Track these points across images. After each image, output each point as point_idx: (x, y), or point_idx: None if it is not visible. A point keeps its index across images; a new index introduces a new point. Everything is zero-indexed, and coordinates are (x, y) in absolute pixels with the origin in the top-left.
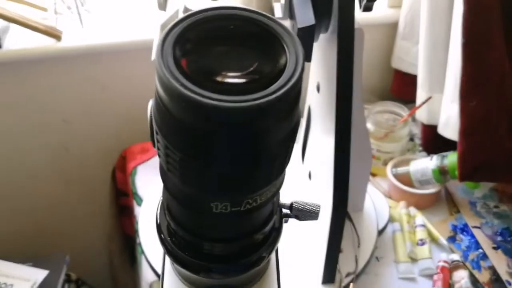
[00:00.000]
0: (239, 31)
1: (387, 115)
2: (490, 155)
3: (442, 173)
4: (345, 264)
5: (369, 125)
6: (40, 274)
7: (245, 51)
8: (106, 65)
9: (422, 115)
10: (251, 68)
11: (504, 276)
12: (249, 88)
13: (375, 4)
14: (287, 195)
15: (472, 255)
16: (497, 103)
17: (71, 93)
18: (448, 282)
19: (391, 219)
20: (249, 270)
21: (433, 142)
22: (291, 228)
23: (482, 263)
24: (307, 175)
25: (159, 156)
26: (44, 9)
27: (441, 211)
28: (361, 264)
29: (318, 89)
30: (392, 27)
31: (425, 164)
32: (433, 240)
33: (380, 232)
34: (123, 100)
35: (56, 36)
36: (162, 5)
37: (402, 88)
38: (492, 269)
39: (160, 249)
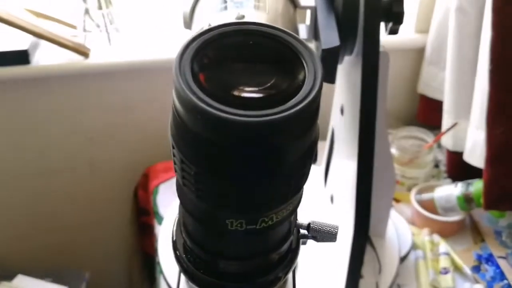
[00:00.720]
0: (257, 46)
1: (412, 141)
2: None
3: (467, 200)
4: None
5: (394, 150)
6: None
7: (263, 66)
8: (132, 83)
9: (447, 141)
10: (269, 84)
11: None
12: (266, 104)
13: (402, 29)
14: (308, 218)
15: (497, 286)
16: None
17: (97, 110)
18: None
19: (414, 246)
20: None
21: (458, 169)
22: (311, 251)
23: None
24: (329, 199)
25: (175, 170)
26: (74, 27)
27: (465, 239)
28: None
29: (342, 111)
30: (419, 52)
31: (450, 191)
32: (457, 269)
33: (403, 259)
34: (148, 118)
35: (84, 53)
36: (188, 24)
37: (428, 113)
38: None
39: (177, 269)
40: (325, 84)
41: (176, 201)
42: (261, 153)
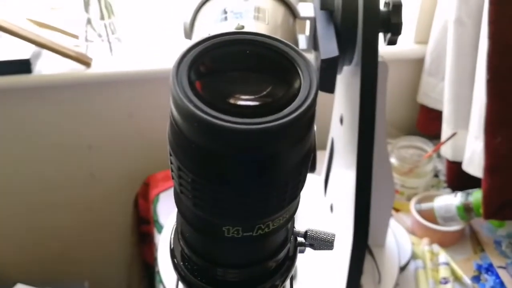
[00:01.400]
0: (254, 55)
1: (411, 150)
2: None
3: (466, 210)
4: None
5: (394, 160)
6: None
7: (260, 75)
8: (133, 93)
9: (447, 151)
10: (265, 92)
11: None
12: (261, 111)
13: (402, 40)
14: (307, 227)
15: None
16: None
17: (98, 119)
18: None
19: (413, 256)
20: None
21: (458, 178)
22: (310, 260)
23: None
24: (329, 208)
25: (173, 178)
26: (76, 37)
27: (465, 249)
28: None
29: (341, 121)
30: (418, 63)
31: (449, 201)
32: (457, 279)
33: (402, 268)
34: (148, 128)
35: (86, 63)
36: (189, 34)
37: (428, 123)
38: None
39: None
40: (324, 94)
41: (176, 210)
42: (256, 161)
